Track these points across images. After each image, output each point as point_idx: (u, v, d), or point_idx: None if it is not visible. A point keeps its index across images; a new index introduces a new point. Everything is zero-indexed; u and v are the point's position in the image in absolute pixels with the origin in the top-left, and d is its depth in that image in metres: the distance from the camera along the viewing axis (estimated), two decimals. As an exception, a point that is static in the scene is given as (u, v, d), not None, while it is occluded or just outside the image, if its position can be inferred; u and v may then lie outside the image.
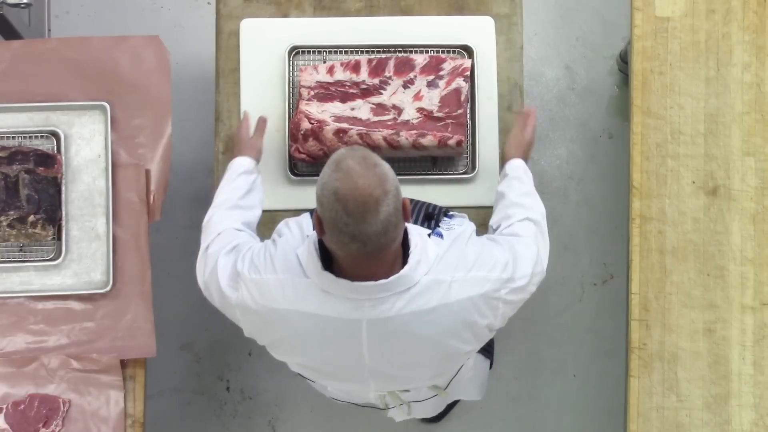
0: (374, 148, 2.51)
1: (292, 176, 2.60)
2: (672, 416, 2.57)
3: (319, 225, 1.91)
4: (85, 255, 2.54)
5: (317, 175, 2.57)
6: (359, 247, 1.87)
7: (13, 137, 2.57)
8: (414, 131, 2.51)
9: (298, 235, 2.11)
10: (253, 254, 2.09)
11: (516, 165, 2.42)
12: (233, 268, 2.10)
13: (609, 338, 3.31)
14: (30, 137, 2.58)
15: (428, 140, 2.50)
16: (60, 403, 2.48)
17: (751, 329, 2.59)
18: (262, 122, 2.54)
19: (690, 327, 2.60)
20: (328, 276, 1.96)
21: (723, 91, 2.67)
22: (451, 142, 2.51)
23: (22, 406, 2.47)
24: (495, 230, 2.30)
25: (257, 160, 2.47)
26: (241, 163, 2.43)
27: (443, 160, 2.61)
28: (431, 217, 2.32)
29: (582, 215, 3.40)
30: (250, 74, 2.64)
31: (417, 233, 2.01)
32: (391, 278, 1.94)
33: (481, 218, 2.60)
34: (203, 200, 3.30)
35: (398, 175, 2.59)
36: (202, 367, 3.30)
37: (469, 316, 2.03)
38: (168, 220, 3.24)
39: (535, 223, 2.27)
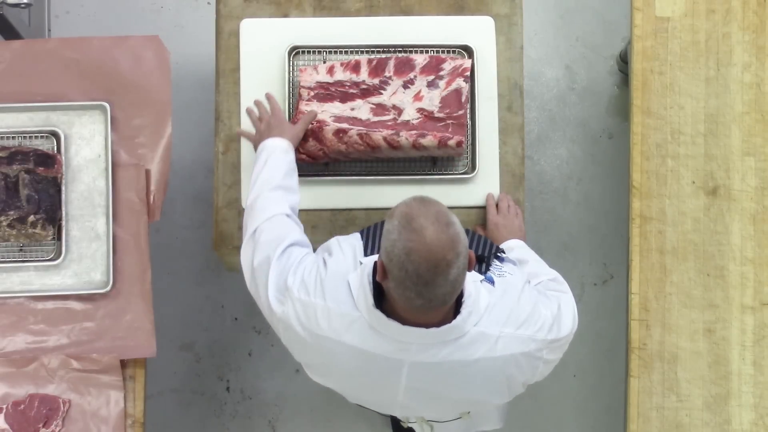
0: (374, 148, 2.51)
1: (292, 176, 2.60)
2: (672, 416, 2.57)
3: (382, 272, 1.87)
4: (85, 255, 2.54)
5: (317, 174, 2.60)
6: (424, 303, 1.85)
7: (13, 137, 2.57)
8: (414, 131, 2.51)
9: (351, 260, 2.06)
10: (305, 271, 2.04)
11: (516, 245, 2.42)
12: (283, 279, 2.05)
13: (609, 338, 3.30)
14: (30, 137, 2.57)
15: (428, 140, 2.50)
16: (60, 403, 2.48)
17: (751, 329, 2.59)
18: (311, 114, 2.49)
19: (690, 327, 2.59)
20: (379, 315, 1.93)
21: (723, 91, 2.67)
22: (451, 142, 2.51)
23: (22, 406, 2.47)
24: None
25: (294, 146, 2.42)
26: (277, 144, 2.36)
27: (443, 160, 2.61)
28: (482, 260, 2.22)
29: (582, 215, 3.40)
30: (250, 74, 2.64)
31: (471, 280, 1.97)
32: (443, 327, 1.92)
33: (481, 219, 2.60)
34: (203, 200, 3.32)
35: (398, 175, 2.63)
36: (202, 367, 3.30)
37: (510, 370, 2.03)
38: (168, 220, 3.25)
39: (561, 284, 2.28)
